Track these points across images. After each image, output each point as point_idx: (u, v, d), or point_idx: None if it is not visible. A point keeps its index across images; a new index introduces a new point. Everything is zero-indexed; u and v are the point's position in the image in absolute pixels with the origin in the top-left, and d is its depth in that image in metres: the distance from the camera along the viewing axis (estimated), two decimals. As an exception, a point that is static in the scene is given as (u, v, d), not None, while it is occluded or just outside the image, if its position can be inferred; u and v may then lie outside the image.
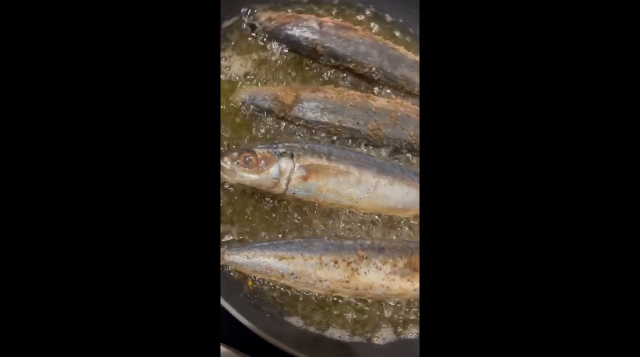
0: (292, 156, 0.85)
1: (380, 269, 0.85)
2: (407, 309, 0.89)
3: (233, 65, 0.96)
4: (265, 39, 0.98)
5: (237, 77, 0.95)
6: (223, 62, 0.95)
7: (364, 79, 1.00)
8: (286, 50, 0.98)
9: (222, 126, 0.90)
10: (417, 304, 0.89)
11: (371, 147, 0.96)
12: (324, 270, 0.82)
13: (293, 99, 0.90)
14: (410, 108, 0.98)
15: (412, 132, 0.96)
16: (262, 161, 0.83)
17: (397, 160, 0.96)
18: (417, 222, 0.94)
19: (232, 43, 0.97)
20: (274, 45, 0.98)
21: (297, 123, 0.92)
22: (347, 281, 0.83)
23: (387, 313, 0.88)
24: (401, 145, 0.97)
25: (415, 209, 0.94)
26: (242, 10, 0.99)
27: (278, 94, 0.91)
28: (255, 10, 0.98)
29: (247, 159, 0.82)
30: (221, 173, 0.82)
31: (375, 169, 0.90)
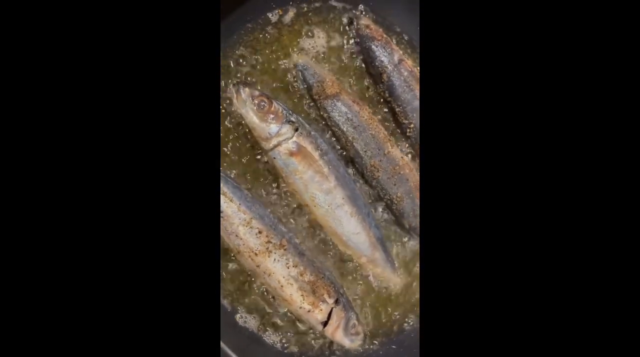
0: (296, 129, 0.89)
1: (288, 267, 0.87)
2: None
3: (307, 36, 1.00)
4: (351, 37, 1.03)
5: (307, 51, 1.00)
6: (304, 34, 1.00)
7: (397, 125, 1.05)
8: (360, 57, 1.03)
9: (266, 76, 0.95)
10: (293, 318, 0.92)
11: (360, 178, 1.00)
12: (246, 229, 0.85)
13: (334, 93, 0.95)
14: (414, 175, 1.02)
15: (400, 193, 0.99)
16: (272, 114, 0.87)
17: (370, 204, 1.00)
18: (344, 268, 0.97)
19: (325, 22, 1.02)
20: (354, 46, 1.03)
21: (321, 112, 0.97)
22: (256, 254, 0.86)
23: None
24: (384, 197, 1.00)
25: (355, 257, 0.97)
26: (360, 7, 1.04)
27: (326, 80, 0.95)
28: (363, 12, 1.04)
29: (262, 103, 0.87)
30: (233, 98, 0.87)
31: (349, 194, 0.94)
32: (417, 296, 1.03)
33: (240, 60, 0.95)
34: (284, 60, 0.97)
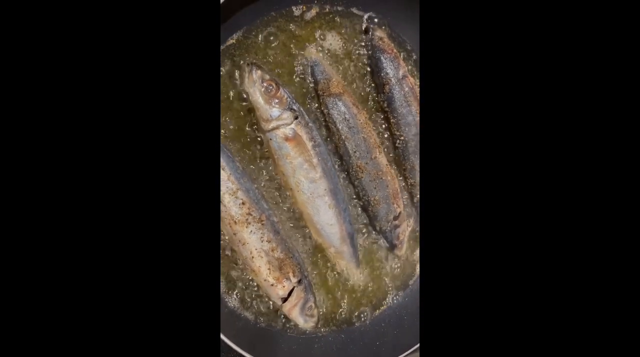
0: (295, 117, 0.96)
1: (262, 241, 0.94)
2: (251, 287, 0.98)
3: (323, 36, 1.07)
4: (364, 45, 1.10)
5: (321, 49, 1.07)
6: (321, 33, 1.07)
7: (389, 135, 1.12)
8: (368, 66, 1.10)
9: (278, 63, 1.02)
10: (253, 286, 0.98)
11: (345, 175, 1.07)
12: (230, 198, 0.92)
13: (337, 92, 1.02)
14: (394, 183, 1.09)
15: (378, 196, 1.06)
16: (276, 99, 0.94)
17: (349, 202, 1.07)
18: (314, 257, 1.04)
19: (343, 26, 1.09)
20: (365, 54, 1.10)
21: (321, 108, 1.04)
22: (235, 223, 0.92)
23: (234, 274, 0.97)
24: (362, 197, 1.08)
25: (324, 246, 1.04)
26: (371, 14, 1.11)
27: (332, 79, 1.02)
28: (379, 24, 1.11)
29: (270, 86, 0.93)
30: (244, 75, 0.93)
31: (331, 188, 1.01)
32: (374, 294, 1.11)
33: (258, 42, 1.01)
34: (298, 52, 1.03)
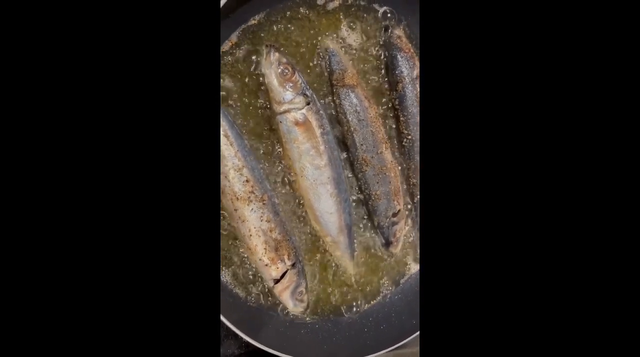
0: (307, 103, 0.97)
1: (261, 220, 0.96)
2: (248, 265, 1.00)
3: (344, 28, 1.08)
4: (382, 42, 1.12)
5: (340, 41, 1.08)
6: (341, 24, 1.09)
7: (397, 133, 1.13)
8: (384, 62, 1.12)
9: (296, 48, 1.04)
10: (247, 263, 1.00)
11: (350, 166, 1.09)
12: (235, 174, 0.93)
13: (351, 84, 1.03)
14: (397, 181, 1.10)
15: (379, 191, 1.08)
16: (291, 83, 0.95)
17: (350, 193, 1.08)
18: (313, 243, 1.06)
19: (364, 21, 1.11)
20: (381, 52, 1.12)
21: (334, 97, 1.05)
22: (237, 199, 0.94)
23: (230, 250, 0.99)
24: (364, 190, 1.09)
25: (321, 234, 1.05)
26: (386, 9, 1.12)
27: (348, 70, 1.04)
28: (399, 24, 1.13)
29: (285, 70, 0.95)
30: (262, 56, 0.95)
31: (335, 177, 1.02)
32: (365, 288, 1.12)
33: (280, 26, 1.03)
34: (317, 41, 1.05)
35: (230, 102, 0.98)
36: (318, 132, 0.98)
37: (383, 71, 1.12)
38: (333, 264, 1.09)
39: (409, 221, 1.16)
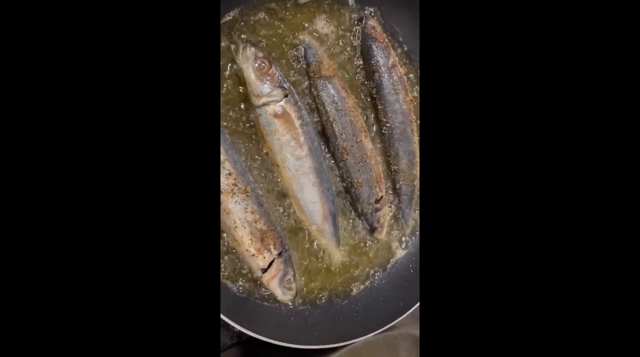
0: (285, 95, 0.99)
1: (245, 212, 0.98)
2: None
3: (318, 21, 1.11)
4: (357, 34, 1.14)
5: (315, 33, 1.10)
6: (315, 18, 1.11)
7: (376, 121, 1.16)
8: (359, 53, 1.14)
9: (272, 42, 1.06)
10: (234, 255, 1.02)
11: (331, 156, 1.11)
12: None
13: (328, 75, 1.05)
14: (377, 168, 1.13)
15: (361, 179, 1.10)
16: (268, 76, 0.97)
17: (333, 183, 1.11)
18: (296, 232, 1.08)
19: (338, 13, 1.13)
20: (357, 41, 1.14)
21: (311, 89, 1.07)
22: (221, 191, 0.96)
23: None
24: (346, 179, 1.11)
25: (306, 223, 1.08)
26: (371, 9, 1.15)
27: (324, 62, 1.06)
28: (372, 14, 1.15)
29: (262, 64, 0.97)
30: (238, 49, 0.96)
31: (316, 166, 1.04)
32: (352, 275, 1.15)
33: (254, 21, 1.05)
34: (292, 34, 1.07)
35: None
36: (297, 123, 1.01)
37: (359, 61, 1.14)
38: (320, 252, 1.11)
39: (392, 206, 1.19)
